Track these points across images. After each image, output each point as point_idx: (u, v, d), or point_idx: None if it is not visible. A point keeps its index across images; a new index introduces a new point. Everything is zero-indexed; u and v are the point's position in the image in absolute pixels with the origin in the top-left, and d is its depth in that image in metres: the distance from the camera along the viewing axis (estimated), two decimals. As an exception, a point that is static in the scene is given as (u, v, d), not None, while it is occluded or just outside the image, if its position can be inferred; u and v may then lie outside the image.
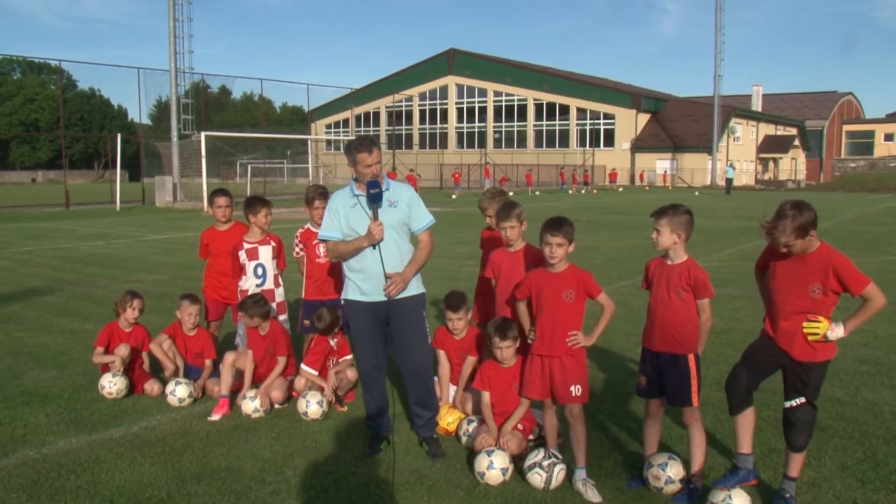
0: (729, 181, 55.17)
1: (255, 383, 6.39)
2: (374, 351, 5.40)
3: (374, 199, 5.10)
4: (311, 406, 5.98)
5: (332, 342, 6.41)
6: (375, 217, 5.11)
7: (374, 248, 5.14)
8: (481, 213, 6.22)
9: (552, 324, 4.85)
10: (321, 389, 6.16)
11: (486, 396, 5.34)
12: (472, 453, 5.12)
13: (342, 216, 5.27)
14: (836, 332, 4.22)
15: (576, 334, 4.83)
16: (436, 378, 6.04)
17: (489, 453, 4.85)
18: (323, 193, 6.73)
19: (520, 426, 5.33)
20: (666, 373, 4.66)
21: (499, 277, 5.66)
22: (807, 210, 4.17)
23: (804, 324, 4.28)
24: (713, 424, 5.75)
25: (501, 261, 5.63)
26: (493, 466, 4.78)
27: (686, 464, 4.73)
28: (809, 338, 4.26)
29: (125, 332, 6.96)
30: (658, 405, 4.84)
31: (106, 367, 6.66)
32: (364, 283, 5.26)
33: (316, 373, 6.32)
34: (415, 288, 5.36)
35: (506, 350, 5.24)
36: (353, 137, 5.49)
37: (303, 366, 6.39)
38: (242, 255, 6.83)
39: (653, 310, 4.72)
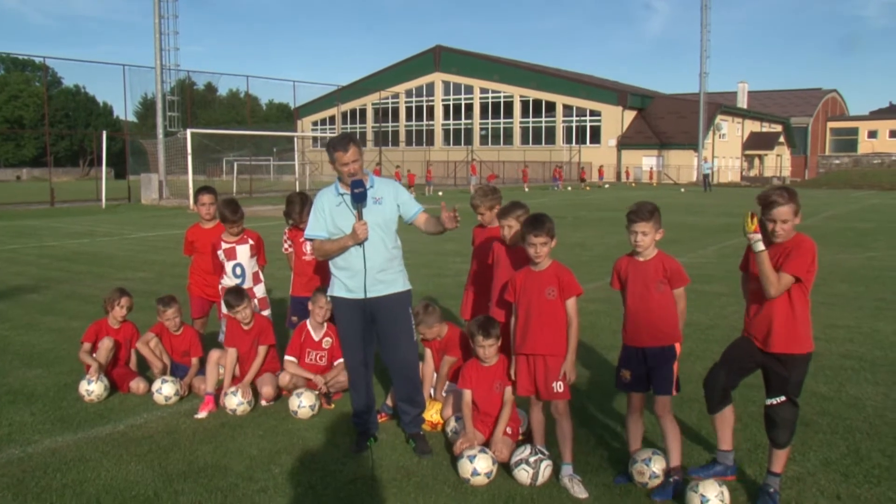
0: (706, 177, 52.50)
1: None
2: (360, 348, 5.40)
3: (359, 199, 5.09)
4: (303, 407, 5.98)
5: (314, 335, 6.41)
6: (360, 217, 5.11)
7: (360, 246, 5.15)
8: (473, 210, 6.15)
9: (534, 322, 4.86)
10: (315, 391, 6.15)
11: (467, 395, 5.31)
12: (455, 456, 5.05)
13: (327, 215, 5.27)
14: (756, 241, 4.21)
15: (564, 377, 4.83)
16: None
17: (471, 459, 4.79)
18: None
19: (509, 430, 5.29)
20: (655, 365, 4.69)
21: (496, 269, 5.61)
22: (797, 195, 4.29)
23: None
24: (699, 420, 5.78)
25: (499, 253, 5.61)
26: (478, 472, 4.75)
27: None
28: (747, 232, 4.22)
29: (113, 329, 6.92)
30: (641, 398, 4.87)
31: (89, 367, 6.63)
32: (349, 280, 5.27)
33: (295, 359, 6.38)
34: (401, 285, 5.38)
35: (488, 348, 5.22)
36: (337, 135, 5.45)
37: (286, 357, 6.43)
38: (221, 254, 6.84)
39: (634, 309, 4.74)
